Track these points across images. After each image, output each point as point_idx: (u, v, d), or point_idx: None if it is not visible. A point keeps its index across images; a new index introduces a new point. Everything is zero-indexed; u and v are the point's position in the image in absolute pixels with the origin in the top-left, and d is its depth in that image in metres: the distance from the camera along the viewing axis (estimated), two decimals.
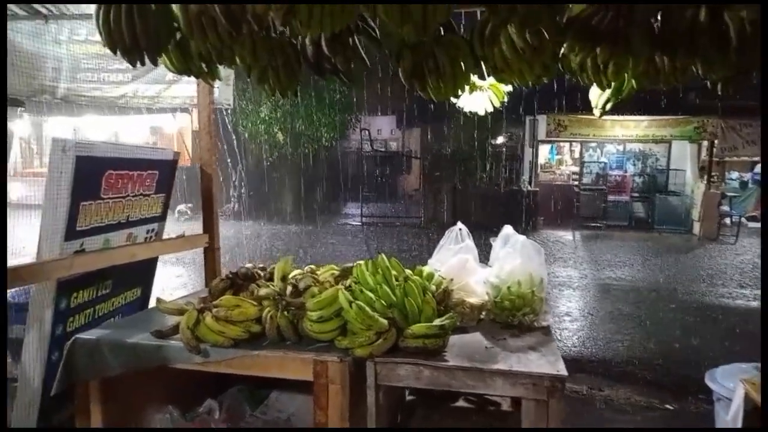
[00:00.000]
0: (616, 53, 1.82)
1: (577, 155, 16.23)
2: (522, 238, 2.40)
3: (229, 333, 1.95)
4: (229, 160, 15.85)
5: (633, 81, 2.58)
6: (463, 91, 2.39)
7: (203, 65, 2.08)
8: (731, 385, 3.04)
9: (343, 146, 19.86)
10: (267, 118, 14.59)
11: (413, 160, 19.89)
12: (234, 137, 15.64)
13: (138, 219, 2.79)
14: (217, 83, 2.86)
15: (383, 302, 1.99)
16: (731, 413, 2.57)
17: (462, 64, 2.09)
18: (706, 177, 13.72)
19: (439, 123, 15.98)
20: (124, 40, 1.72)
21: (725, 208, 13.48)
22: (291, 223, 14.11)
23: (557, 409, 1.73)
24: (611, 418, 4.38)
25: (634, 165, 15.70)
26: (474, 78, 3.24)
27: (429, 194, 14.55)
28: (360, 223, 14.57)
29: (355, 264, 2.30)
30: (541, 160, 16.07)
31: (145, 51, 1.78)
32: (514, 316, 2.28)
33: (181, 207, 14.91)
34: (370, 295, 1.99)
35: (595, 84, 2.44)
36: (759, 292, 8.02)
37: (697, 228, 13.31)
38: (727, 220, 13.63)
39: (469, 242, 2.58)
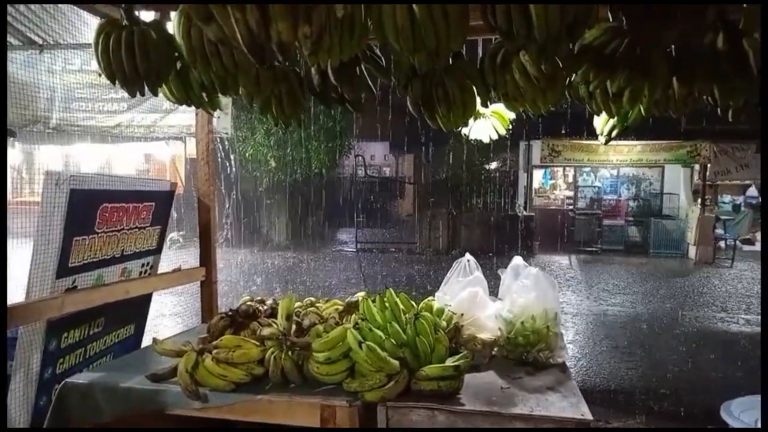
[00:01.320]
0: (634, 80, 1.76)
1: (570, 180, 16.28)
2: (535, 270, 2.31)
3: (230, 376, 1.84)
4: (222, 187, 15.78)
5: (642, 108, 2.53)
6: (470, 118, 2.34)
7: (204, 95, 2.02)
8: (748, 420, 2.94)
9: (336, 172, 19.85)
10: (260, 144, 14.57)
11: (407, 185, 19.90)
12: (227, 164, 15.61)
13: (133, 253, 2.69)
14: (216, 112, 2.80)
15: (393, 341, 1.89)
16: None
17: (472, 92, 2.04)
18: (699, 200, 13.78)
19: (433, 148, 16.03)
20: (124, 70, 1.65)
21: (720, 231, 13.51)
22: (285, 250, 13.97)
23: None
24: None
25: (628, 189, 15.76)
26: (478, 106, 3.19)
27: (424, 220, 14.48)
28: (354, 250, 14.44)
29: (361, 299, 2.20)
30: (535, 184, 16.10)
31: (145, 81, 1.71)
32: (528, 353, 2.18)
33: (173, 235, 14.71)
34: (380, 334, 1.89)
35: (604, 112, 2.39)
36: (758, 316, 7.95)
37: (692, 252, 13.29)
38: (722, 244, 13.63)
39: (479, 274, 2.49)
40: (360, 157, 16.16)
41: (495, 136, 3.39)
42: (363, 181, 18.56)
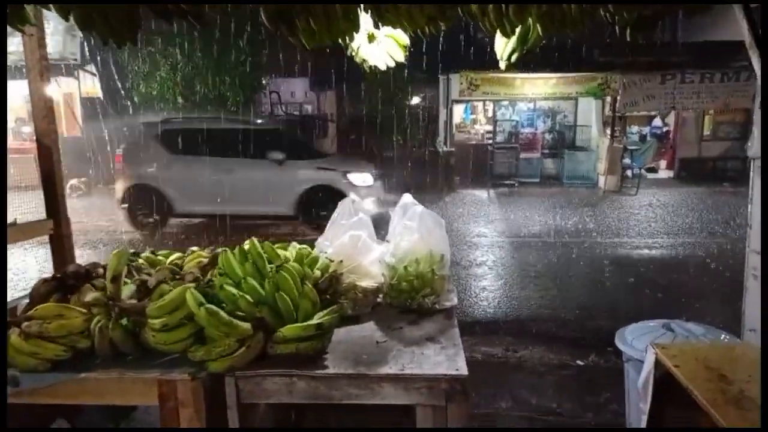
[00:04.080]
0: None
1: (490, 114, 16.33)
2: (420, 208, 2.08)
3: (43, 353, 1.50)
4: (124, 129, 14.50)
5: (539, 27, 2.31)
6: (345, 36, 2.01)
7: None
8: (640, 346, 2.97)
9: (253, 111, 18.84)
10: (166, 80, 13.37)
11: (329, 123, 19.26)
12: (129, 103, 14.31)
13: None
14: (57, 34, 2.29)
15: (249, 299, 1.61)
16: (642, 379, 2.46)
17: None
18: (609, 132, 14.28)
19: (353, 85, 15.45)
20: None
21: (627, 161, 14.13)
22: None
23: (458, 415, 1.45)
24: (524, 381, 4.33)
25: (544, 122, 16.05)
26: (369, 27, 2.87)
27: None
28: None
29: (220, 250, 1.89)
30: (457, 119, 16.03)
31: None
32: (413, 299, 1.98)
33: (74, 182, 13.55)
34: (233, 291, 1.61)
35: (498, 32, 2.14)
36: (661, 240, 8.42)
37: (602, 181, 13.88)
38: (629, 173, 14.33)
39: (364, 216, 2.23)
40: (275, 94, 15.31)
41: (392, 63, 3.10)
42: (281, 119, 17.75)
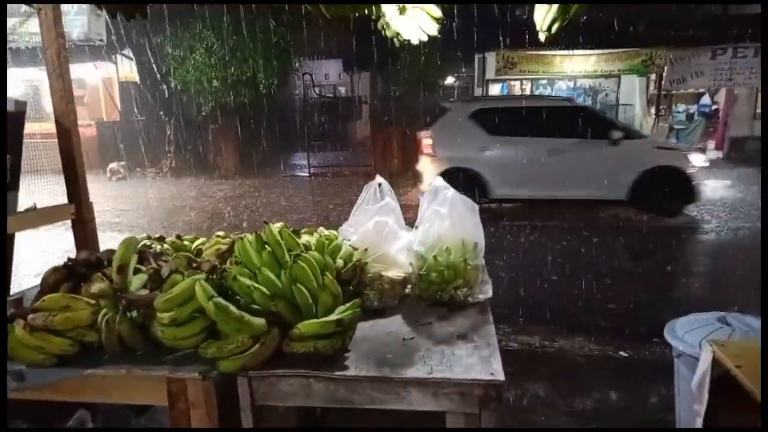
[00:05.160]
0: None
1: (528, 93, 15.83)
2: (451, 192, 1.91)
3: (49, 347, 1.42)
4: (162, 113, 14.69)
5: None
6: (369, 5, 1.84)
7: None
8: (693, 341, 2.74)
9: (287, 93, 18.80)
10: (201, 64, 13.40)
11: (363, 105, 19.07)
12: (165, 87, 14.45)
13: None
14: (82, 14, 2.19)
15: (264, 291, 1.49)
16: (696, 379, 2.25)
17: None
18: (654, 111, 13.63)
19: (388, 65, 15.18)
20: None
21: (673, 140, 13.48)
22: (233, 178, 13.31)
23: (493, 424, 1.30)
24: (564, 374, 4.13)
25: (585, 101, 15.46)
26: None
27: (378, 141, 13.92)
28: (307, 174, 13.91)
29: (236, 238, 1.77)
30: None
31: None
32: (443, 291, 1.82)
33: (113, 165, 13.85)
34: (247, 283, 1.48)
35: None
36: (710, 225, 7.98)
37: None
38: None
39: (390, 200, 2.08)
40: (308, 75, 15.19)
41: (424, 37, 2.93)
42: (315, 101, 17.68)
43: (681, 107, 16.74)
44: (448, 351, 1.46)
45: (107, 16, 2.85)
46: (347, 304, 1.51)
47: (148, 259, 1.91)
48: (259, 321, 1.39)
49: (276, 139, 16.00)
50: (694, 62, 12.97)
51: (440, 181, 2.12)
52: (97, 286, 1.48)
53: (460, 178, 8.03)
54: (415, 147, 9.02)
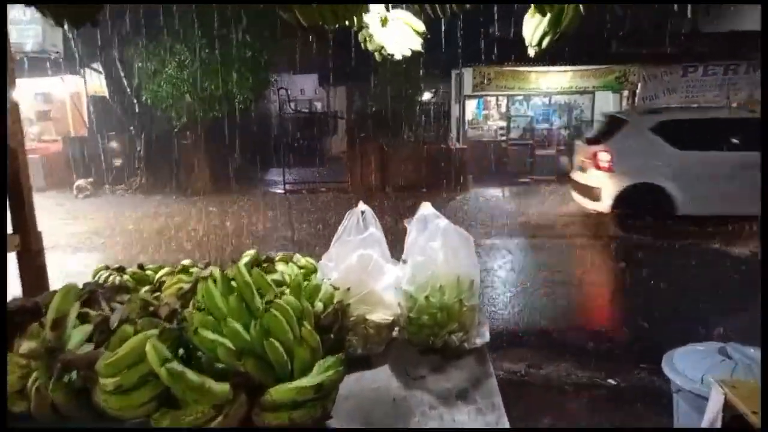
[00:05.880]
0: None
1: (503, 110, 15.88)
2: (443, 223, 1.72)
3: None
4: (132, 128, 14.25)
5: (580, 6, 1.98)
6: (351, 14, 1.66)
7: None
8: (693, 375, 2.58)
9: (262, 108, 18.50)
10: (173, 78, 13.04)
11: (339, 120, 18.89)
12: (136, 102, 14.04)
13: None
14: (35, 23, 1.95)
15: (230, 346, 1.26)
16: (706, 421, 2.08)
17: None
18: None
19: (364, 81, 15.05)
20: None
21: None
22: (205, 195, 12.93)
23: None
24: (553, 401, 3.95)
25: (560, 117, 15.56)
26: (382, 11, 2.58)
27: (355, 156, 13.73)
28: (283, 191, 13.62)
29: (200, 275, 1.54)
30: (469, 116, 15.61)
31: None
32: (436, 336, 1.62)
33: (80, 182, 13.33)
34: (210, 337, 1.25)
35: (532, 8, 1.81)
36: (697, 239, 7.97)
37: None
38: None
39: (375, 231, 1.87)
40: (284, 90, 14.95)
41: (408, 52, 2.80)
42: (291, 117, 17.45)
43: None
44: (447, 416, 1.25)
45: (51, 23, 2.55)
46: (328, 360, 1.30)
47: (97, 301, 1.67)
48: (223, 387, 1.16)
49: (250, 154, 15.68)
50: (666, 79, 13.18)
51: (428, 208, 1.92)
52: (26, 345, 1.23)
53: (643, 194, 7.75)
54: (591, 160, 8.46)
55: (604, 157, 8.23)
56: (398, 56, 2.72)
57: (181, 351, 1.34)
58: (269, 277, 1.78)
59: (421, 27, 2.69)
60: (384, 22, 2.56)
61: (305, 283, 1.66)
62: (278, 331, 1.30)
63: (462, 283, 1.63)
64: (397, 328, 1.72)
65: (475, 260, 1.71)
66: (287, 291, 1.57)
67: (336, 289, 1.66)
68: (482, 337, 1.67)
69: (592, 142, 9.01)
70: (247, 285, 1.45)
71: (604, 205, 8.24)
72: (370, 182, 13.29)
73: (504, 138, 14.89)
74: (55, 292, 1.62)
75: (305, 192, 13.30)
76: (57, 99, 15.64)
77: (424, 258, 1.66)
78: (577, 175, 9.24)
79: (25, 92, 14.19)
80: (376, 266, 1.76)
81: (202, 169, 14.07)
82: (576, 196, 9.31)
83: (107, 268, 2.29)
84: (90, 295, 1.66)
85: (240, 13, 10.61)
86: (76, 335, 1.32)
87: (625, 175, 8.09)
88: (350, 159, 13.83)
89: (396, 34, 2.66)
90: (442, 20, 2.14)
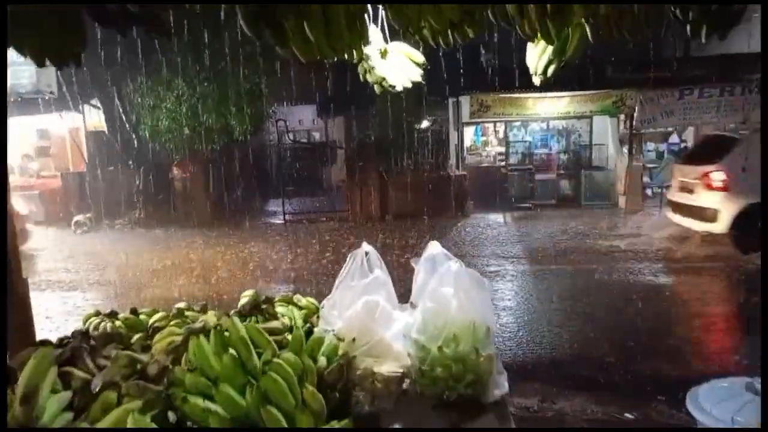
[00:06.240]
0: None
1: (501, 136, 15.90)
2: (455, 266, 1.59)
3: None
4: (131, 162, 14.23)
5: (587, 31, 1.91)
6: (350, 47, 1.57)
7: None
8: (722, 415, 2.43)
9: (261, 139, 18.55)
10: (172, 112, 13.08)
11: (338, 150, 18.92)
12: (135, 136, 14.05)
13: None
14: (30, 64, 1.87)
15: (224, 414, 1.12)
16: None
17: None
18: (626, 150, 13.75)
19: (363, 110, 15.11)
20: None
21: (646, 179, 13.58)
22: (205, 228, 12.82)
23: None
24: None
25: (558, 142, 15.56)
26: (381, 44, 2.53)
27: (355, 185, 13.68)
28: (283, 221, 13.53)
29: (192, 329, 1.41)
30: (467, 142, 15.62)
31: None
32: (451, 389, 1.48)
33: (79, 218, 13.23)
34: (201, 405, 1.12)
35: (539, 37, 1.73)
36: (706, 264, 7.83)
37: (622, 201, 13.32)
38: (649, 191, 13.74)
39: (381, 273, 1.75)
40: (282, 122, 14.99)
41: (408, 84, 2.75)
42: (289, 147, 17.46)
43: (650, 145, 17.01)
44: None
45: (33, 64, 2.44)
46: (333, 426, 1.16)
47: (82, 358, 1.54)
48: None
49: (250, 186, 15.64)
50: (663, 102, 13.21)
51: (437, 247, 1.80)
52: None
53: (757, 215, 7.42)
54: (701, 180, 8.22)
55: (717, 177, 7.99)
56: (399, 87, 2.66)
57: (171, 415, 1.21)
58: (268, 325, 1.66)
59: (420, 58, 2.64)
60: (384, 54, 2.50)
61: (307, 335, 1.52)
62: (277, 396, 1.16)
63: (477, 331, 1.50)
64: (407, 380, 1.58)
65: (490, 304, 1.59)
66: (288, 336, 1.44)
67: (340, 340, 1.53)
68: (500, 388, 1.53)
69: (692, 162, 8.76)
70: (242, 341, 1.32)
71: (721, 226, 7.99)
72: (370, 211, 13.20)
73: (503, 163, 14.87)
74: (36, 347, 1.50)
75: (305, 222, 13.21)
76: (56, 135, 15.68)
77: (436, 305, 1.53)
78: (679, 196, 8.92)
79: (24, 129, 14.22)
80: (383, 313, 1.64)
81: (201, 202, 14.00)
82: (678, 218, 9.03)
83: (98, 314, 2.17)
84: (73, 352, 1.54)
85: (238, 48, 10.65)
86: (52, 405, 1.18)
87: (742, 194, 7.80)
88: (350, 188, 13.77)
89: (396, 65, 2.61)
90: (441, 49, 2.07)
